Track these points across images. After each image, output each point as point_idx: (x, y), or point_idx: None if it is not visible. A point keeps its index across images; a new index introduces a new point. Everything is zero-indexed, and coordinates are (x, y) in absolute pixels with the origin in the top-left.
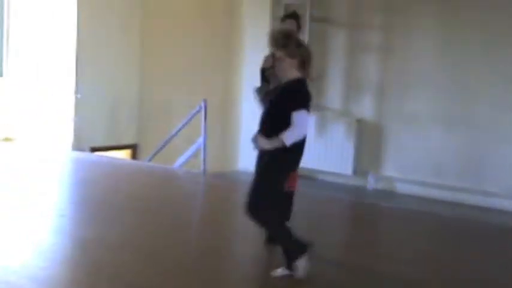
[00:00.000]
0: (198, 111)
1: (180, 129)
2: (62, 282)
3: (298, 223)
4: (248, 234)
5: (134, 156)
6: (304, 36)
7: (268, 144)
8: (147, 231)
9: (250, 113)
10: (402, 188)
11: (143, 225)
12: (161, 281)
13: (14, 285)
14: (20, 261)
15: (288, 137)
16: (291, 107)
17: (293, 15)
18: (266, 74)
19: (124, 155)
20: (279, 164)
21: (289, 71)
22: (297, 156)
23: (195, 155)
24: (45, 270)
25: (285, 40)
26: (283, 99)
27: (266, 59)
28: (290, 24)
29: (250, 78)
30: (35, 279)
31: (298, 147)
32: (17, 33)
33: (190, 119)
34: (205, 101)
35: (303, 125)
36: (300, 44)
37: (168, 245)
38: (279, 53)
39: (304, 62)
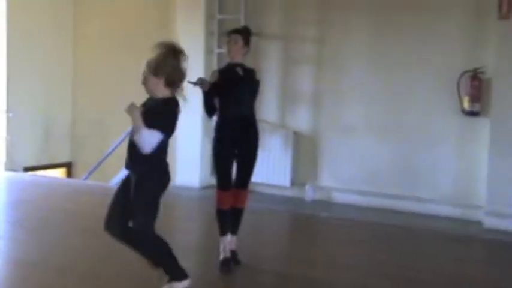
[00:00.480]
0: None
1: (115, 148)
2: None
3: (239, 236)
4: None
5: (69, 174)
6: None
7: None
8: (91, 252)
9: (185, 128)
10: (339, 197)
11: (87, 246)
12: None
13: None
14: None
15: (146, 136)
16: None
17: (240, 31)
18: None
19: (58, 173)
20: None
21: (157, 90)
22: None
23: None
24: None
25: (154, 58)
26: (147, 118)
27: (213, 74)
28: (234, 40)
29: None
30: None
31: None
32: None
33: (125, 137)
34: None
35: (150, 143)
36: (168, 61)
37: (113, 265)
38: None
39: (170, 81)
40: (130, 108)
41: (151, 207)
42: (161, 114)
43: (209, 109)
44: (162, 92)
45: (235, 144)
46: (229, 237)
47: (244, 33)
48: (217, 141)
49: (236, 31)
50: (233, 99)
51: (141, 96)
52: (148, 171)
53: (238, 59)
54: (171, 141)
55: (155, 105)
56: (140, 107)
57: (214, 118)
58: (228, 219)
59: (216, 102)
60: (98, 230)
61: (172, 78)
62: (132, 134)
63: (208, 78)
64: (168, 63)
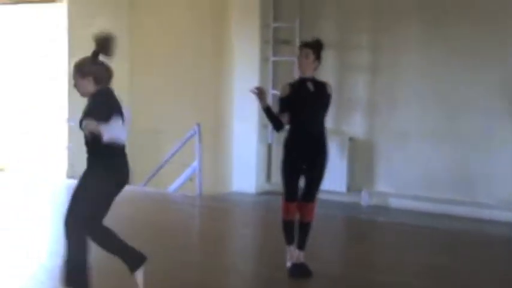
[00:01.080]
0: (192, 135)
1: (174, 154)
2: None
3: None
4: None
5: None
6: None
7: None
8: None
9: (241, 135)
10: (396, 203)
11: (150, 249)
12: None
13: None
14: None
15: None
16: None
17: (311, 45)
18: (284, 103)
19: None
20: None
21: (88, 90)
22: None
23: (190, 178)
24: None
25: (78, 62)
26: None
27: (283, 88)
28: (305, 54)
29: (240, 101)
30: None
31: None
32: (8, 62)
33: (184, 143)
34: (198, 125)
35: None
36: (91, 62)
37: (179, 266)
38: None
39: (98, 78)
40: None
41: (87, 201)
42: (91, 104)
43: (275, 124)
44: (91, 89)
45: (304, 158)
46: (297, 252)
47: (316, 47)
48: (286, 154)
49: (307, 45)
50: (303, 114)
51: (195, 103)
52: (94, 166)
53: (309, 73)
54: (227, 147)
55: (88, 102)
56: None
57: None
58: (293, 228)
59: (286, 115)
60: (158, 234)
61: (100, 75)
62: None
63: (278, 91)
64: (92, 64)
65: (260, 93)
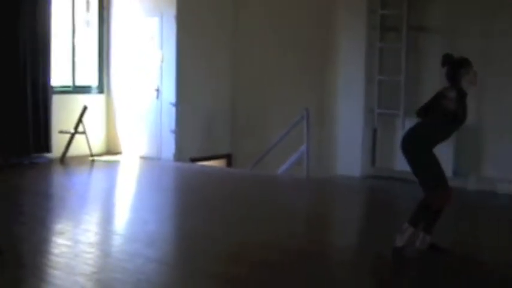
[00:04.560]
0: (300, 120)
1: (282, 138)
2: None
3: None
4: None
5: (229, 165)
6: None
7: None
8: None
9: (347, 120)
10: (503, 188)
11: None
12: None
13: None
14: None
15: None
16: None
17: (446, 60)
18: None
19: (220, 164)
20: None
21: None
22: None
23: (298, 162)
24: None
25: None
26: None
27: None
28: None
29: (346, 86)
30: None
31: None
32: (117, 51)
33: (292, 128)
34: (307, 110)
35: None
36: None
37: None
38: None
39: None
40: None
41: None
42: None
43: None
44: None
45: None
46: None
47: (449, 63)
48: (432, 147)
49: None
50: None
51: (298, 88)
52: None
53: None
54: (333, 131)
55: None
56: None
57: None
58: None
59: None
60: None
61: None
62: None
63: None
64: None
65: None
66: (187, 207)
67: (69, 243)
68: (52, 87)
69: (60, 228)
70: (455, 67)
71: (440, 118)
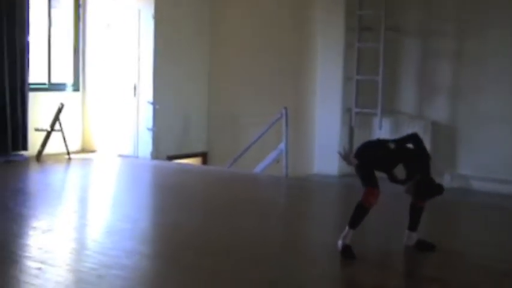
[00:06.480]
0: (279, 119)
1: (260, 136)
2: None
3: (375, 221)
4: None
5: (204, 163)
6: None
7: None
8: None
9: (324, 119)
10: (478, 185)
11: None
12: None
13: None
14: None
15: None
16: None
17: None
18: None
19: (195, 162)
20: None
21: None
22: None
23: (276, 160)
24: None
25: None
26: None
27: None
28: None
29: (324, 86)
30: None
31: None
32: (93, 49)
33: (271, 126)
34: (286, 108)
35: None
36: None
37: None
38: None
39: None
40: None
41: None
42: None
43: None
44: None
45: None
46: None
47: None
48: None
49: None
50: None
51: (279, 89)
52: None
53: None
54: (310, 130)
55: None
56: None
57: None
58: None
59: None
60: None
61: None
62: None
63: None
64: None
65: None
66: (171, 205)
67: (61, 240)
68: (29, 84)
69: (48, 226)
70: None
71: None
